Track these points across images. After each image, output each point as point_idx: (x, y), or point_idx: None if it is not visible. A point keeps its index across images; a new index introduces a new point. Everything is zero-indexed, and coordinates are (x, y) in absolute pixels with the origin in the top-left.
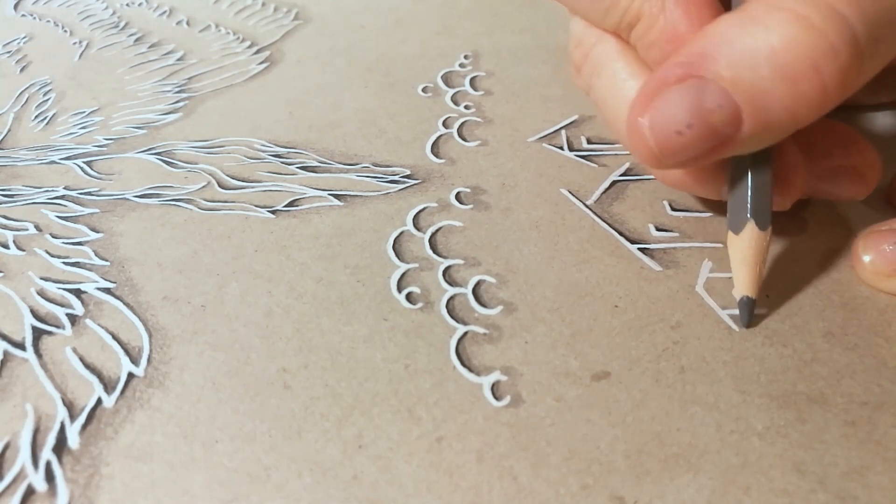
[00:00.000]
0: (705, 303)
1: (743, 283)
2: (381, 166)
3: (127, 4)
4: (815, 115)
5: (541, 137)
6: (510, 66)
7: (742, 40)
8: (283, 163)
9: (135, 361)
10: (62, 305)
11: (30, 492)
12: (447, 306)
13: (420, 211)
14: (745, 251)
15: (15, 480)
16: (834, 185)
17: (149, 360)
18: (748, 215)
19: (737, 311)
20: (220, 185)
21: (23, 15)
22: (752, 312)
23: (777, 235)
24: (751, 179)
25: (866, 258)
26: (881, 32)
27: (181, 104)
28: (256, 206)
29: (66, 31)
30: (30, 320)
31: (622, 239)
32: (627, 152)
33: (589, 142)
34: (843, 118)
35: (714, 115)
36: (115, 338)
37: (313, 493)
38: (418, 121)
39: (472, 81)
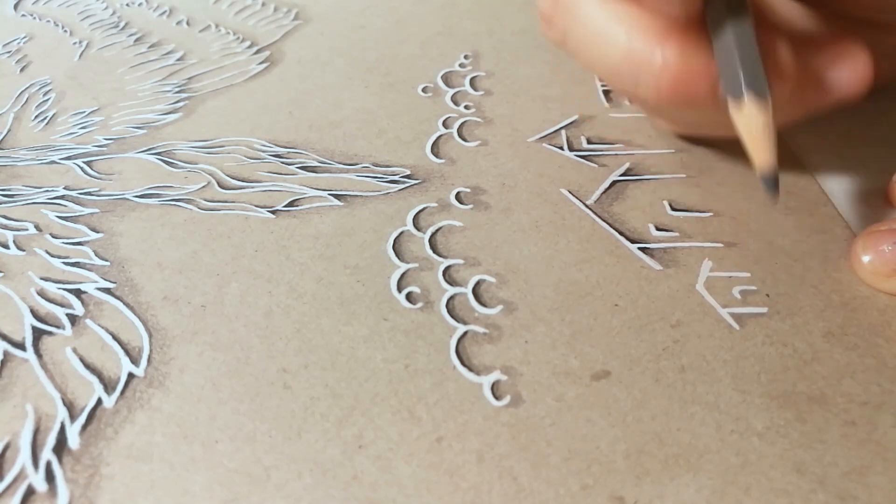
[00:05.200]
0: (705, 302)
1: (760, 157)
2: (381, 166)
3: (127, 4)
4: None
5: (541, 137)
6: (510, 66)
7: None
8: (283, 163)
9: (135, 362)
10: (62, 305)
11: (30, 492)
12: (447, 306)
13: (420, 211)
14: (751, 126)
15: (15, 481)
16: (829, 82)
17: (149, 361)
18: (743, 88)
19: (737, 310)
20: (220, 185)
21: (23, 15)
22: (777, 185)
23: (777, 235)
24: (736, 46)
25: (866, 258)
26: None
27: (181, 104)
28: (256, 206)
29: (66, 31)
30: (30, 320)
31: (622, 238)
32: (627, 152)
33: (589, 142)
34: None
35: None
36: (115, 338)
37: (313, 493)
38: (418, 121)
39: (472, 81)
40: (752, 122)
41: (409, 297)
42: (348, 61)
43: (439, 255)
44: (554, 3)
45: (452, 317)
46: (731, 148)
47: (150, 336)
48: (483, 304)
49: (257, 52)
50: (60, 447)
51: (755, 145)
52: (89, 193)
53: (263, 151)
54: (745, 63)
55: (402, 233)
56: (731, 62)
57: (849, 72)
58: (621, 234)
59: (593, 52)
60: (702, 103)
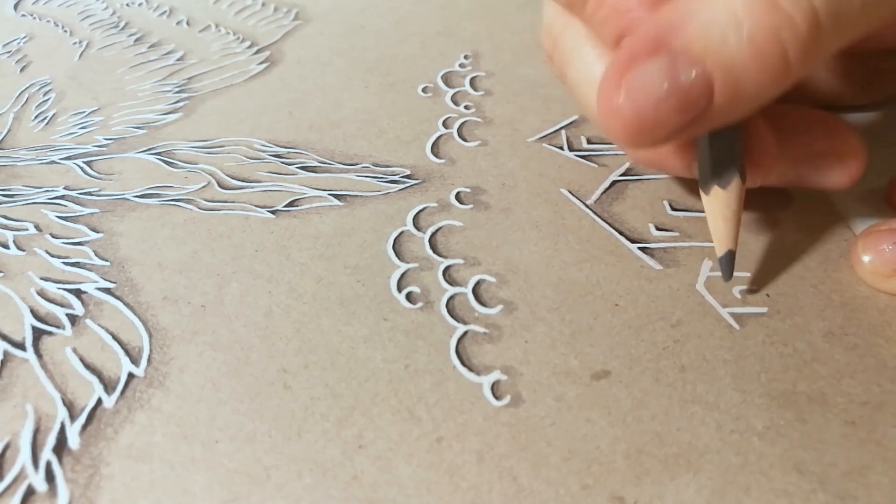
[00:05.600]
0: (706, 301)
1: (725, 238)
2: (381, 166)
3: (127, 4)
4: (778, 87)
5: (541, 137)
6: (510, 66)
7: (706, 12)
8: (283, 163)
9: (135, 362)
10: (62, 305)
11: (30, 492)
12: (447, 306)
13: (420, 211)
14: (728, 206)
15: (15, 481)
16: (818, 172)
17: (149, 361)
18: (713, 178)
19: (737, 310)
20: (220, 185)
21: (23, 15)
22: (733, 265)
23: (777, 235)
24: (729, 138)
25: (866, 258)
26: (841, 7)
27: (181, 104)
28: (256, 206)
29: (66, 31)
30: (30, 320)
31: (622, 238)
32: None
33: (589, 142)
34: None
35: (691, 87)
36: (115, 338)
37: (313, 493)
38: (418, 121)
39: (472, 81)
40: (720, 206)
41: (409, 297)
42: (348, 61)
43: (439, 254)
44: (554, 44)
45: (452, 317)
46: None
47: (150, 336)
48: (483, 304)
49: (257, 52)
50: (60, 447)
51: (719, 229)
52: (89, 193)
53: (263, 151)
54: (721, 154)
55: (402, 233)
56: (705, 149)
57: (841, 170)
58: (621, 233)
59: (586, 99)
60: (677, 173)
